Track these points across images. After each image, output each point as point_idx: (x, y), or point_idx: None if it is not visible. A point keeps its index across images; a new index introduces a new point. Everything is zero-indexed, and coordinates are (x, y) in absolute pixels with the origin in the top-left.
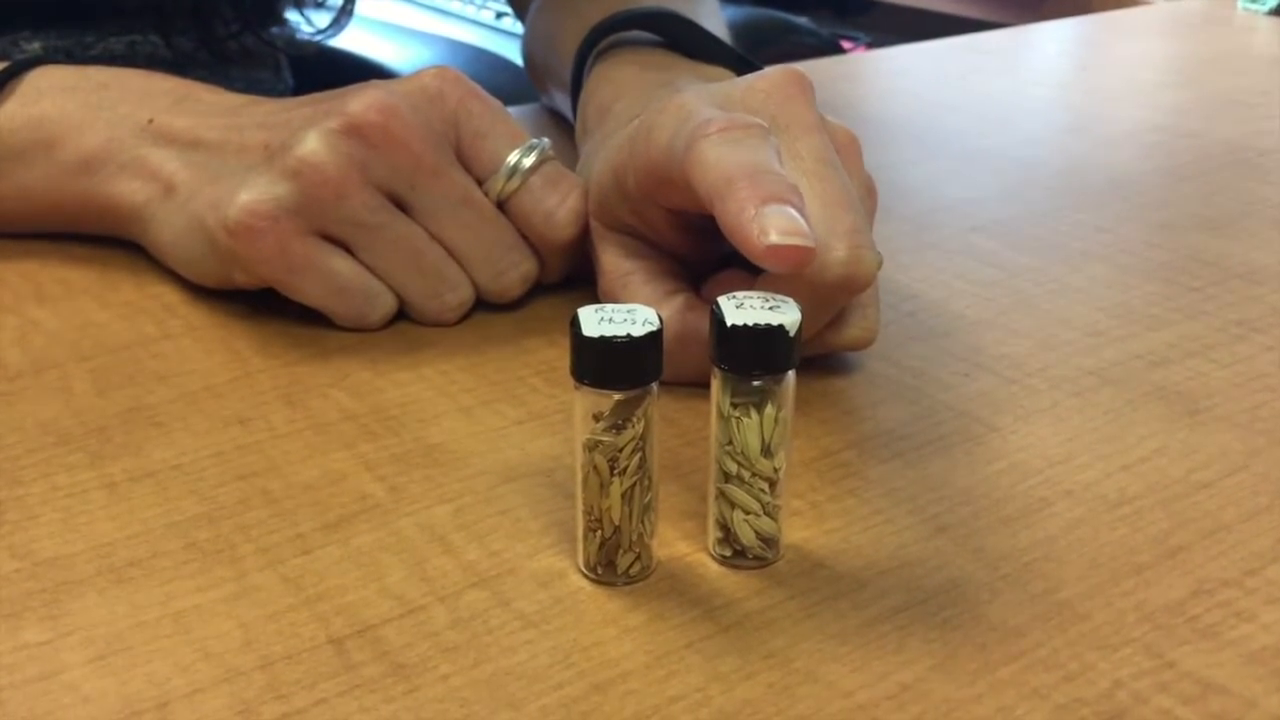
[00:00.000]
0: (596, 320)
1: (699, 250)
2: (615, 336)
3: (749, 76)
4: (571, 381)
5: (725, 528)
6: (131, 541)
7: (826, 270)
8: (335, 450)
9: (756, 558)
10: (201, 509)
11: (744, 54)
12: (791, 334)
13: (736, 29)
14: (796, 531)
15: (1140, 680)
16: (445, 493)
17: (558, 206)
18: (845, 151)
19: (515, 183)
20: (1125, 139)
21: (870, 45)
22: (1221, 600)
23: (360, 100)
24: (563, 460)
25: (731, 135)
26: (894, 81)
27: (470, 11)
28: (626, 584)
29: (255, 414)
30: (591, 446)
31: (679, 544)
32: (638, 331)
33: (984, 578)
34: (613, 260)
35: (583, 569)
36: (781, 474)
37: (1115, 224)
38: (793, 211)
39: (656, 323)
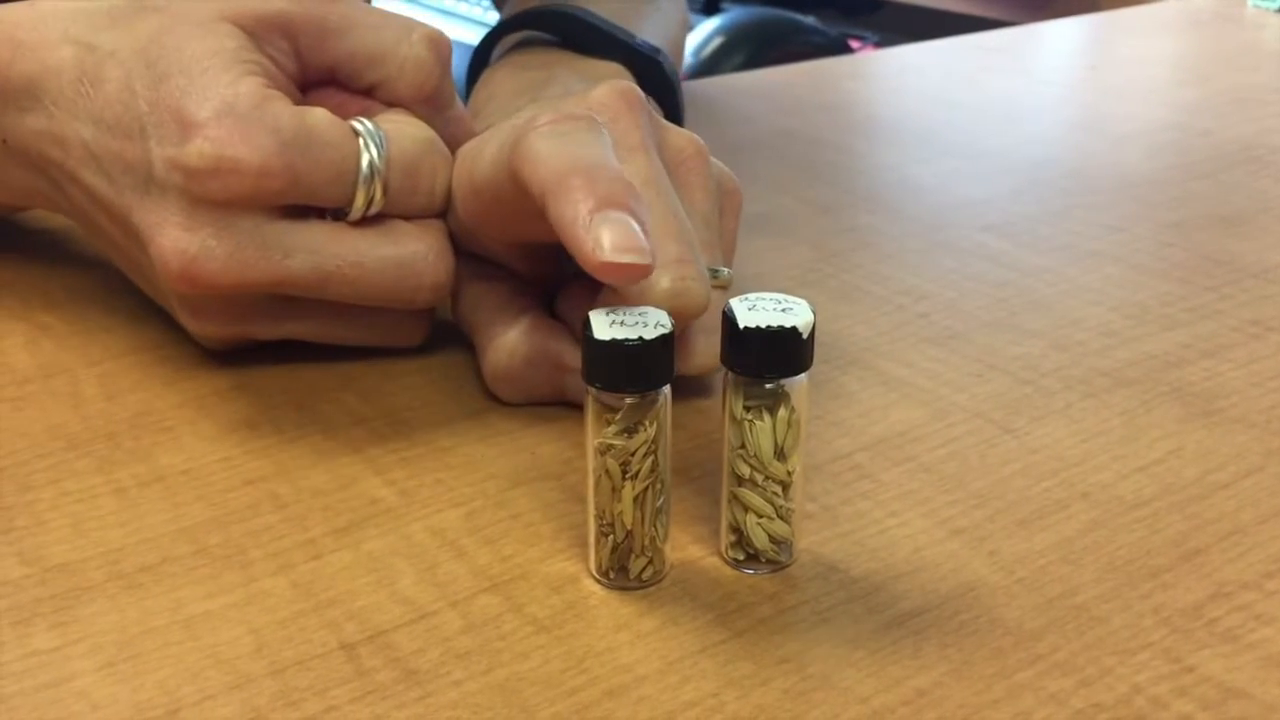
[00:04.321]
0: (608, 323)
1: (546, 273)
2: (627, 340)
3: (583, 93)
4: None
5: (738, 531)
6: (141, 547)
7: (651, 302)
8: (345, 454)
9: (770, 561)
10: (211, 514)
11: (642, 47)
12: (805, 335)
13: (745, 29)
14: (809, 535)
15: (1159, 685)
16: (456, 497)
17: (428, 201)
18: (690, 163)
19: (377, 191)
20: (1136, 137)
21: (878, 44)
22: (1241, 603)
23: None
24: (574, 464)
25: (562, 127)
26: (902, 80)
27: (477, 13)
28: (639, 588)
29: (264, 418)
30: (603, 450)
31: (691, 548)
32: (649, 334)
33: (1000, 581)
34: (461, 284)
35: (595, 574)
36: (795, 477)
37: (1128, 223)
38: (629, 220)
39: (669, 325)
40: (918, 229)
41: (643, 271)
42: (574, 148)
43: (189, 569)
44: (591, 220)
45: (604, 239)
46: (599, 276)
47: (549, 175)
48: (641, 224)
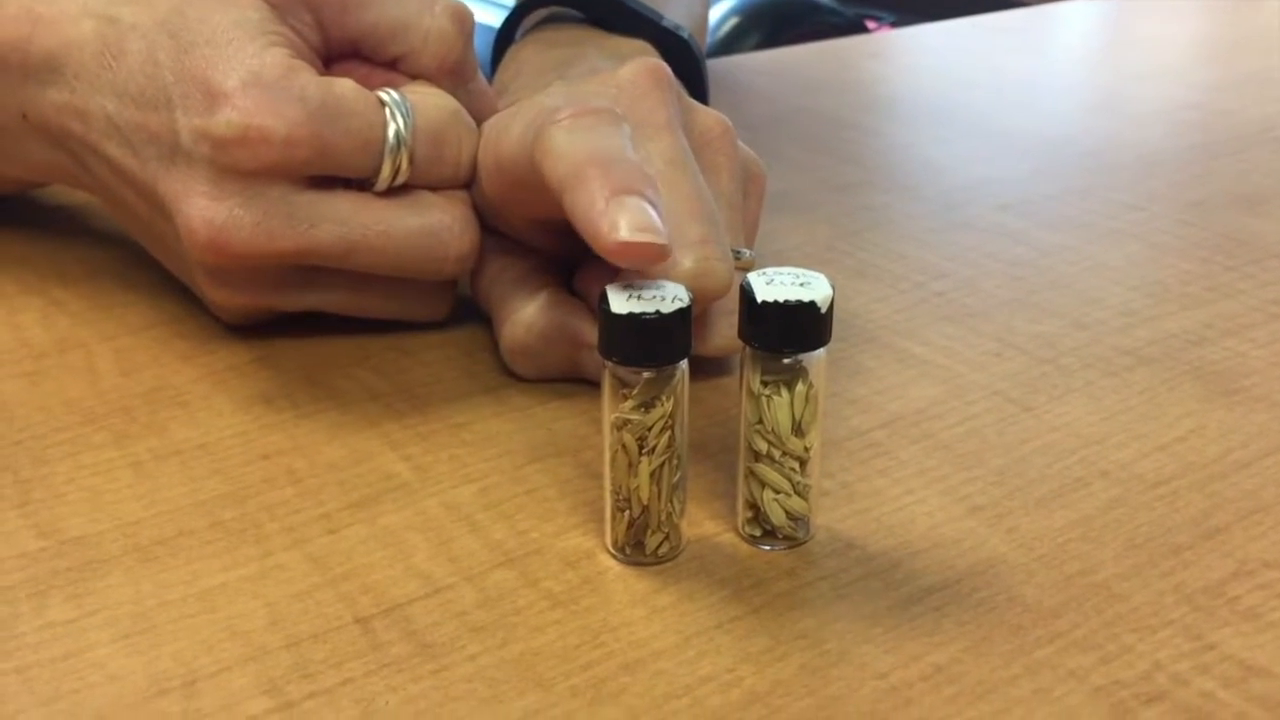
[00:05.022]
0: (625, 297)
1: (567, 250)
2: (644, 313)
3: (610, 71)
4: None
5: (755, 507)
6: (157, 520)
7: (674, 281)
8: (360, 429)
9: (786, 538)
10: (227, 488)
11: (669, 25)
12: (823, 310)
13: (761, 9)
14: (826, 512)
15: (1180, 662)
16: (471, 472)
17: (453, 172)
18: (717, 143)
19: (404, 161)
20: (1155, 117)
21: (895, 24)
22: (1262, 582)
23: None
24: (589, 440)
25: (582, 122)
26: (919, 60)
27: None
28: (655, 564)
29: (279, 393)
30: (620, 425)
31: (707, 524)
32: (667, 308)
33: (1018, 558)
34: (480, 259)
35: (610, 549)
36: (813, 453)
37: (1147, 202)
38: (645, 205)
39: (686, 299)
40: (935, 208)
41: (659, 252)
42: (593, 140)
43: (205, 542)
44: (608, 205)
45: (620, 221)
46: (614, 259)
47: (567, 168)
48: (658, 210)
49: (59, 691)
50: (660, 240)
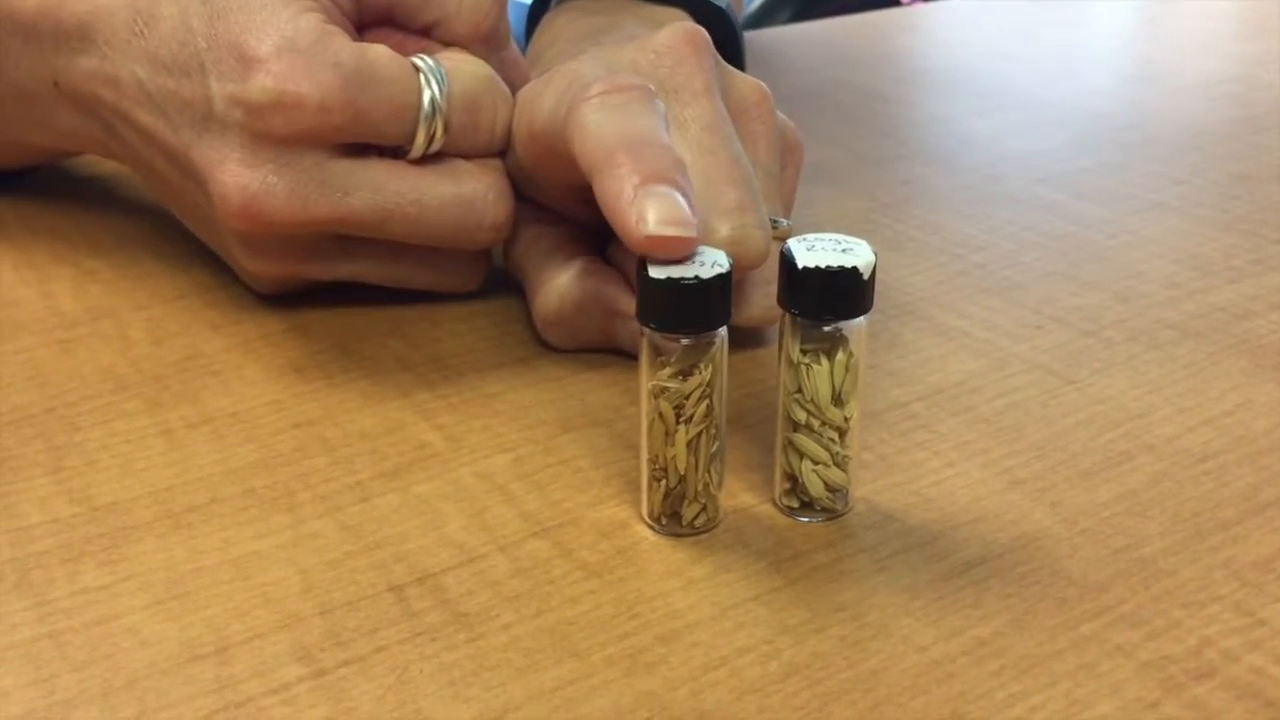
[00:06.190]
0: (662, 263)
1: (601, 219)
2: (683, 278)
3: (647, 36)
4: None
5: (793, 479)
6: (190, 487)
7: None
8: (392, 399)
9: (825, 509)
10: (259, 456)
11: None
12: (866, 276)
13: None
14: (865, 484)
15: (1230, 638)
16: (504, 442)
17: (488, 139)
18: (755, 110)
19: (438, 128)
20: (1197, 90)
21: None
22: None
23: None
24: (623, 411)
25: (614, 100)
26: (955, 33)
27: None
28: (691, 535)
29: (311, 363)
30: (657, 393)
31: (744, 495)
32: (706, 274)
33: (1062, 532)
34: (515, 228)
35: (647, 519)
36: (852, 423)
37: (1190, 175)
38: (675, 194)
39: (726, 265)
40: (973, 180)
41: (688, 245)
42: (624, 121)
43: (237, 509)
44: (636, 195)
45: (648, 213)
46: (642, 251)
47: (597, 150)
48: (687, 198)
49: (92, 656)
50: (688, 232)
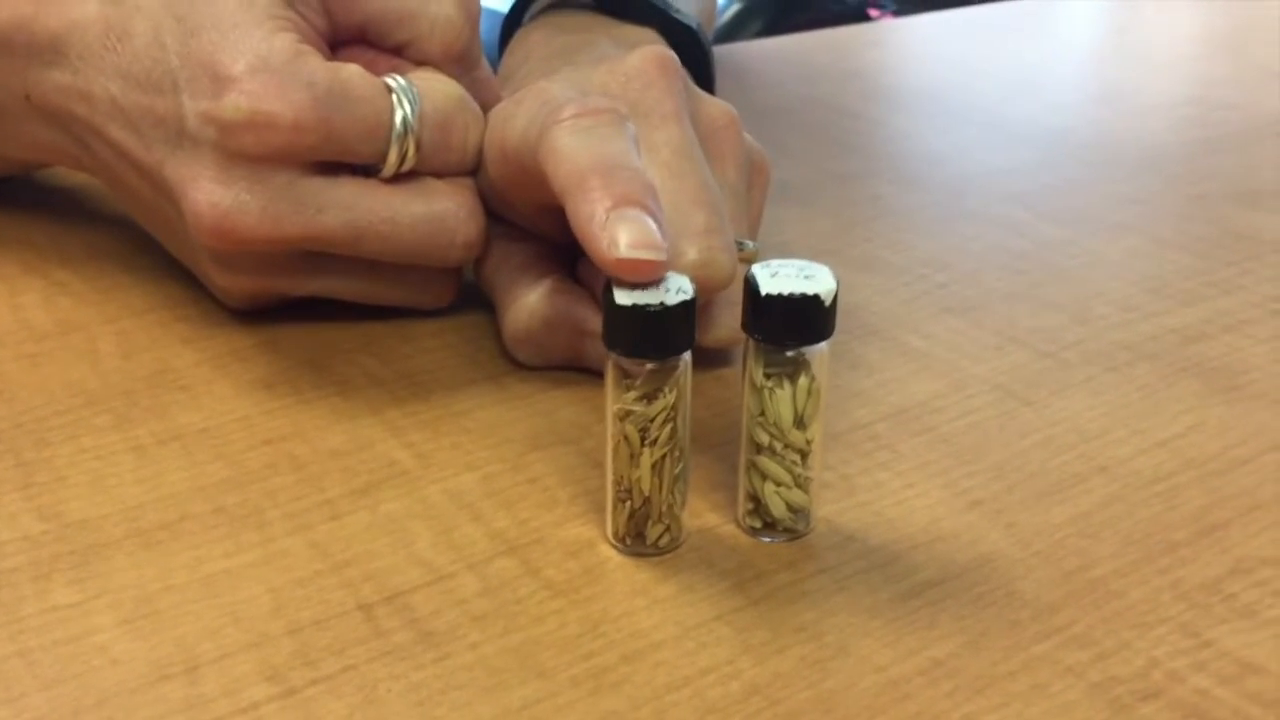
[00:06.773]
0: (629, 288)
1: (571, 237)
2: (648, 305)
3: (618, 59)
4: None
5: (756, 499)
6: (160, 505)
7: (678, 272)
8: (362, 416)
9: (787, 530)
10: (229, 473)
11: (678, 15)
12: (827, 304)
13: None
14: (827, 504)
15: (1177, 659)
16: (473, 460)
17: (460, 158)
18: (723, 134)
19: (410, 147)
20: (1159, 110)
21: (897, 13)
22: (1259, 579)
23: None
24: (591, 429)
25: (585, 123)
26: (922, 49)
27: None
28: (656, 555)
29: (281, 379)
30: (622, 416)
31: (708, 515)
32: (671, 300)
33: (1017, 554)
34: (485, 245)
35: (611, 539)
36: (814, 445)
37: (1149, 196)
38: (646, 218)
39: (690, 291)
40: (938, 198)
41: (658, 269)
42: (596, 144)
43: (207, 527)
44: (608, 218)
45: (620, 237)
46: (613, 274)
47: (570, 172)
48: (658, 222)
49: (62, 675)
50: (658, 256)
